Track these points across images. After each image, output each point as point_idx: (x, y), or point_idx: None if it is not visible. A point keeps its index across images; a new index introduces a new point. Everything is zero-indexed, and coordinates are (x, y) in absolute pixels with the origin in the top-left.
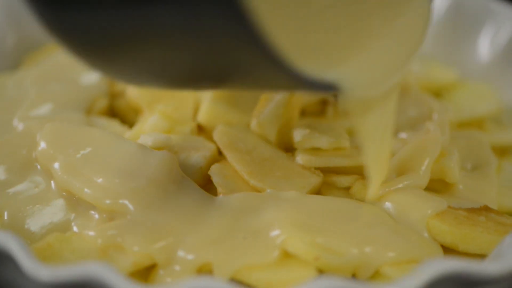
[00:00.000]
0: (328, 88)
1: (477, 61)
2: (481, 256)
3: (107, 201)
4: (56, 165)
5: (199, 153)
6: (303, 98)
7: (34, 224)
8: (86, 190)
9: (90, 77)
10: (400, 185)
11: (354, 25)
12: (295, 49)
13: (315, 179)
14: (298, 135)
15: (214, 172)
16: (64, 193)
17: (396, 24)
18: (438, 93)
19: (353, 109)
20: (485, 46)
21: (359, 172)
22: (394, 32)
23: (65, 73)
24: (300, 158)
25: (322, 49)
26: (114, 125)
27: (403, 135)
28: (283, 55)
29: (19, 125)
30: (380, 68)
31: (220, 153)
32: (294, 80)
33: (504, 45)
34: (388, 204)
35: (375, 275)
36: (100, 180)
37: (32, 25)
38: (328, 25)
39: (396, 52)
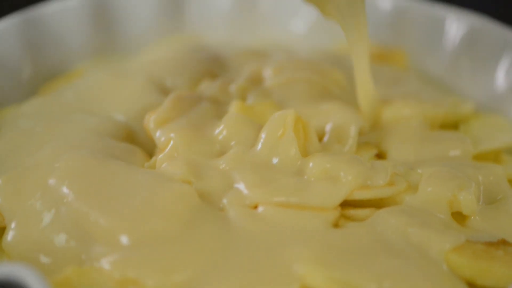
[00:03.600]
0: None
1: (494, 92)
2: None
3: (123, 235)
4: (72, 196)
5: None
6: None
7: (49, 255)
8: (101, 222)
9: (111, 107)
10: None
11: None
12: None
13: (334, 213)
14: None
15: None
16: (80, 224)
17: None
18: (455, 125)
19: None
20: (502, 77)
21: (376, 205)
22: None
23: (84, 102)
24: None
25: None
26: (135, 152)
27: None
28: None
29: (37, 153)
30: None
31: None
32: None
33: None
34: (407, 237)
35: None
36: (116, 212)
37: (49, 54)
38: None
39: None
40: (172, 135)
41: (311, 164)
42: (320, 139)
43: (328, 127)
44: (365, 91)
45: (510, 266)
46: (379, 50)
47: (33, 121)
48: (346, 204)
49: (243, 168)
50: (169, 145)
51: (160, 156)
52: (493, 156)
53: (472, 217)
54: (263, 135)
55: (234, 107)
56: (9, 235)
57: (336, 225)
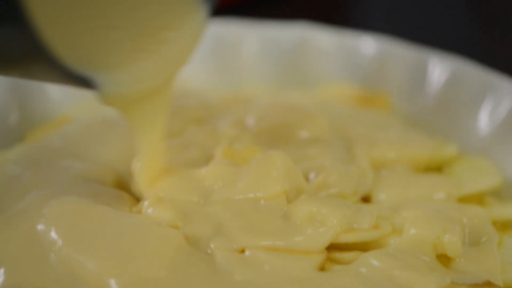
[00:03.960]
0: (85, 82)
1: (477, 135)
2: None
3: (111, 279)
4: (60, 242)
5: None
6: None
7: None
8: (90, 266)
9: (98, 152)
10: None
11: (117, 36)
12: (60, 43)
13: (320, 257)
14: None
15: None
16: (69, 269)
17: (163, 42)
18: (439, 167)
19: (113, 103)
20: (485, 120)
21: (362, 248)
22: (162, 48)
23: (71, 148)
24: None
25: (84, 49)
26: (122, 197)
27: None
28: (51, 48)
29: (24, 199)
30: (137, 73)
31: None
32: (57, 72)
33: (504, 119)
34: (393, 279)
35: None
36: (104, 257)
37: (35, 100)
38: (92, 31)
39: (158, 65)
40: (158, 179)
41: (297, 208)
42: (306, 181)
43: (313, 171)
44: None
45: None
46: (363, 94)
47: (20, 167)
48: (332, 247)
49: (230, 213)
50: (156, 190)
51: (147, 201)
52: (477, 199)
53: (457, 259)
54: (249, 179)
55: (220, 152)
56: None
57: (322, 268)
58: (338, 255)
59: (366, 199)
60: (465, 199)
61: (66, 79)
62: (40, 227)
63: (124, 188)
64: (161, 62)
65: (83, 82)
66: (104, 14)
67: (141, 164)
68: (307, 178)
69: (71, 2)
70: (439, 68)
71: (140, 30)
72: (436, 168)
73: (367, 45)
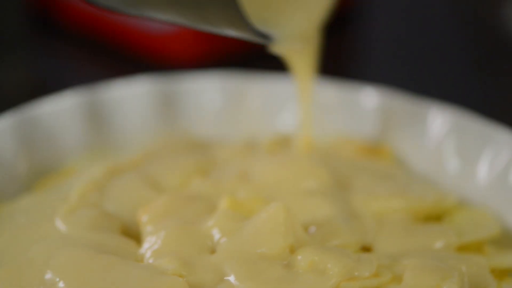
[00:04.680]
0: (264, 38)
1: (477, 186)
2: None
3: None
4: None
5: None
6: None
7: None
8: None
9: (105, 201)
10: None
11: None
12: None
13: None
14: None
15: None
16: None
17: None
18: (439, 217)
19: (285, 53)
20: (484, 170)
21: None
22: None
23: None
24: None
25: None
26: (128, 245)
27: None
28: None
29: (32, 249)
30: (302, 20)
31: None
32: (243, 27)
33: (503, 169)
34: None
35: None
36: None
37: (43, 152)
38: None
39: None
40: (163, 230)
41: (299, 257)
42: (307, 233)
43: (314, 224)
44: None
45: None
46: (365, 146)
47: (29, 216)
48: None
49: (233, 262)
50: (160, 240)
51: (151, 250)
52: (476, 248)
53: None
54: (253, 229)
55: (224, 203)
56: None
57: None
58: None
59: (366, 249)
60: (464, 248)
61: (249, 34)
62: (47, 276)
63: (131, 236)
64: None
65: (261, 37)
66: None
67: (302, 114)
68: (306, 230)
69: None
70: (440, 119)
71: None
72: (436, 218)
73: (368, 97)
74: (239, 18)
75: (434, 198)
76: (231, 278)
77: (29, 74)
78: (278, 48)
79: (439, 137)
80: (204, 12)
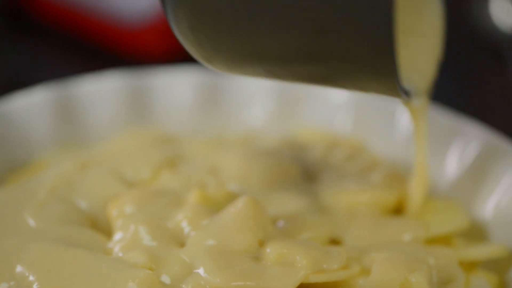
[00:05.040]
0: (406, 95)
1: (446, 178)
2: None
3: None
4: (38, 286)
5: None
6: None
7: None
8: None
9: (75, 196)
10: None
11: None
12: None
13: None
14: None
15: None
16: None
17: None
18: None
19: (417, 111)
20: (453, 163)
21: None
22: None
23: (49, 192)
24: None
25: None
26: (98, 239)
27: None
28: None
29: (2, 243)
30: (428, 68)
31: None
32: (394, 87)
33: (472, 163)
34: None
35: None
36: None
37: (14, 146)
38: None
39: (430, 50)
40: (133, 224)
41: (268, 250)
42: (275, 227)
43: (282, 218)
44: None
45: None
46: (334, 139)
47: None
48: (302, 287)
49: (202, 255)
50: (130, 234)
51: (121, 244)
52: (445, 240)
53: None
54: (222, 223)
55: (193, 197)
56: None
57: None
58: None
59: (336, 242)
60: (432, 241)
61: (396, 93)
62: (18, 270)
63: (100, 230)
64: (428, 54)
65: (405, 94)
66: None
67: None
68: (275, 224)
69: None
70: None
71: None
72: (405, 211)
73: (339, 91)
74: (394, 83)
75: (402, 190)
76: (201, 271)
77: (1, 68)
78: (414, 103)
79: (408, 130)
80: (356, 80)
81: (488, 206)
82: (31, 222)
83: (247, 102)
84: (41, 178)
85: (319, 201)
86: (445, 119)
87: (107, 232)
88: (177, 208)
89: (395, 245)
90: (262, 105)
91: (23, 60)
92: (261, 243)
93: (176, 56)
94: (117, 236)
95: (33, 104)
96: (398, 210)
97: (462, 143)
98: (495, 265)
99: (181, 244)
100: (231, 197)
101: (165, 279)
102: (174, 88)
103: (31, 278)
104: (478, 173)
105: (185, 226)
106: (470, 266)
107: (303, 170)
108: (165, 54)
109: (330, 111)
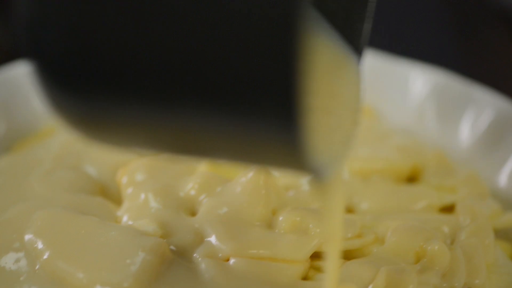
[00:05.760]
0: (315, 172)
1: (459, 146)
2: None
3: (100, 287)
4: (48, 253)
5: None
6: None
7: None
8: (79, 275)
9: (84, 163)
10: None
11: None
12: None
13: (304, 265)
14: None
15: None
16: (57, 280)
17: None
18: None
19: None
20: (466, 131)
21: (345, 256)
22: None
23: (57, 159)
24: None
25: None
26: (108, 207)
27: None
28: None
29: (10, 210)
30: (340, 141)
31: None
32: (304, 165)
33: (485, 130)
34: None
35: None
36: (92, 266)
37: (21, 113)
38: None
39: (346, 122)
40: (143, 192)
41: (281, 218)
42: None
43: (294, 184)
44: None
45: None
46: None
47: (7, 177)
48: (316, 256)
49: (214, 222)
50: (140, 202)
51: (131, 212)
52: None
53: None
54: (234, 191)
55: (204, 165)
56: None
57: (306, 277)
58: (321, 263)
59: (349, 209)
60: (446, 209)
61: (305, 170)
62: (26, 237)
63: (110, 198)
64: (344, 127)
65: (314, 171)
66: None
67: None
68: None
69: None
70: (421, 80)
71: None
72: (419, 179)
73: None
74: (303, 161)
75: (417, 157)
76: (212, 239)
77: (5, 34)
78: (326, 179)
79: (421, 97)
80: (261, 157)
81: (503, 174)
82: (39, 190)
83: None
84: (48, 145)
85: None
86: (457, 87)
87: (117, 200)
88: (188, 176)
89: (410, 213)
90: None
91: None
92: (274, 212)
93: None
94: (127, 204)
95: None
96: (412, 178)
97: (475, 110)
98: (509, 234)
99: (192, 212)
100: (242, 167)
101: (176, 247)
102: None
103: (40, 245)
104: (491, 140)
105: (196, 194)
106: None
107: None
108: None
109: None
